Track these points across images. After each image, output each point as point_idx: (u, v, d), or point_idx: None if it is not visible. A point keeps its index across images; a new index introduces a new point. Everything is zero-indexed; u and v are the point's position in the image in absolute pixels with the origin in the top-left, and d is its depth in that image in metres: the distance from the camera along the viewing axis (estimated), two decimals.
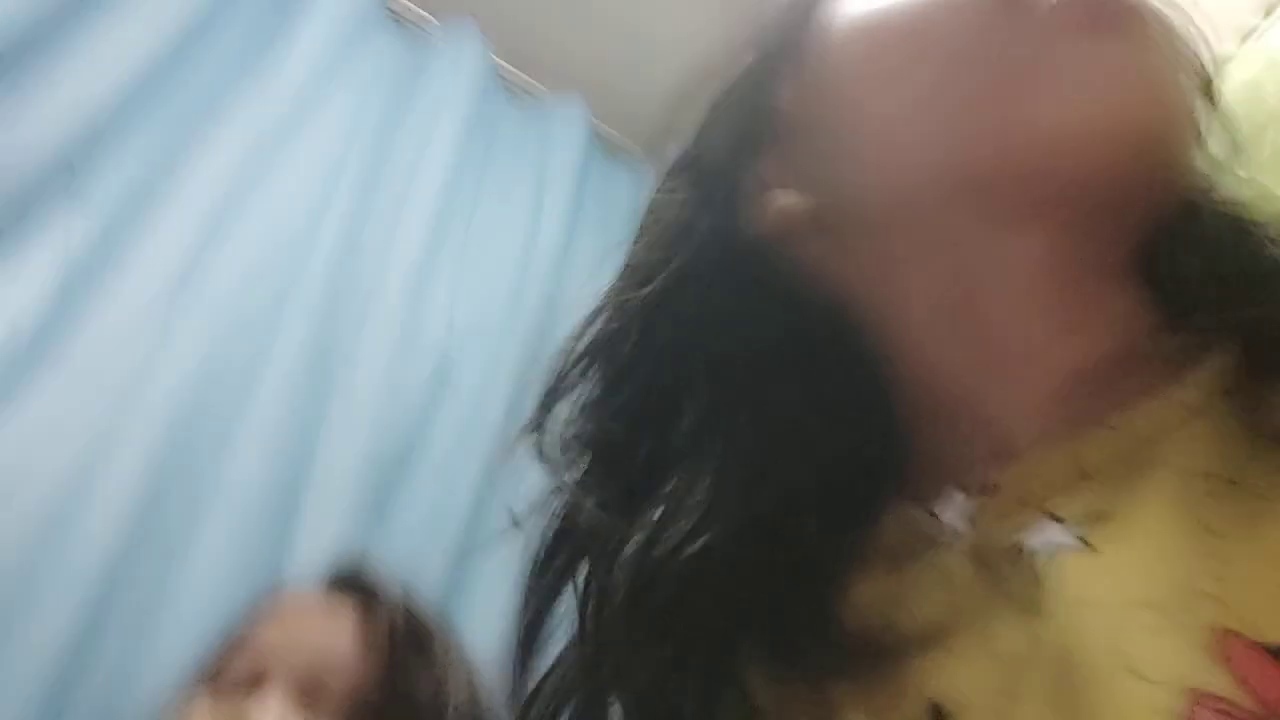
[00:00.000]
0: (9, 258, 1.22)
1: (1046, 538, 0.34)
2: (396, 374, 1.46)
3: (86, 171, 1.35)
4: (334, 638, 0.72)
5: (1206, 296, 0.37)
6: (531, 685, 0.41)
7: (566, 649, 0.41)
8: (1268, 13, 0.93)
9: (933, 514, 0.39)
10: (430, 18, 1.87)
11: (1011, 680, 0.32)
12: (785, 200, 0.41)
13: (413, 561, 1.32)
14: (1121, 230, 0.37)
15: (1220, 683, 0.28)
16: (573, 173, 1.82)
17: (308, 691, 0.68)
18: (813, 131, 0.41)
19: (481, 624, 1.33)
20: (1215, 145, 0.40)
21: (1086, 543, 0.33)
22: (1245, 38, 0.91)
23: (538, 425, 0.43)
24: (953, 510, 0.38)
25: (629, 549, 0.38)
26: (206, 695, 0.73)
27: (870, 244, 0.39)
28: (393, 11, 1.85)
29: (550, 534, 0.43)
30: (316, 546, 1.24)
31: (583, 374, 0.43)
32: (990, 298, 0.37)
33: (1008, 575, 0.34)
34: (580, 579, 0.41)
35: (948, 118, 0.35)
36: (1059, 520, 0.34)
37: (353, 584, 0.81)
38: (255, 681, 0.71)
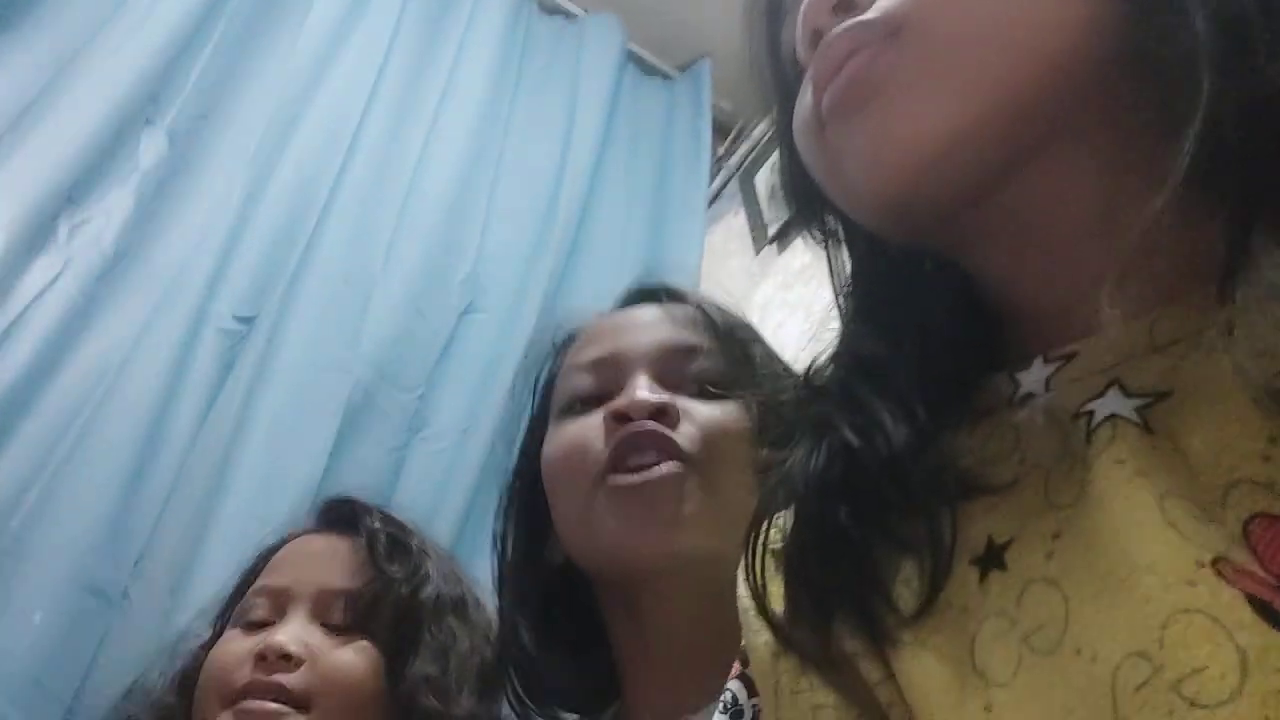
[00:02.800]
0: (96, 182, 1.27)
1: (1111, 406, 0.36)
2: (424, 294, 1.46)
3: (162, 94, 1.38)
4: (331, 564, 0.89)
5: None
6: None
7: None
8: None
9: (1014, 379, 0.41)
10: None
11: (1060, 524, 0.35)
12: None
13: (440, 483, 1.34)
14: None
15: (1242, 558, 0.30)
16: (606, 91, 1.80)
17: (319, 612, 0.85)
18: None
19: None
20: None
21: (1145, 421, 0.34)
22: None
23: None
24: (1034, 376, 0.40)
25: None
26: (238, 631, 0.85)
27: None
28: None
29: None
30: (358, 464, 1.27)
31: None
32: (1042, 212, 0.40)
33: (1070, 433, 0.36)
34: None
35: None
36: (1125, 391, 0.36)
37: (340, 513, 0.96)
38: (278, 614, 0.85)
